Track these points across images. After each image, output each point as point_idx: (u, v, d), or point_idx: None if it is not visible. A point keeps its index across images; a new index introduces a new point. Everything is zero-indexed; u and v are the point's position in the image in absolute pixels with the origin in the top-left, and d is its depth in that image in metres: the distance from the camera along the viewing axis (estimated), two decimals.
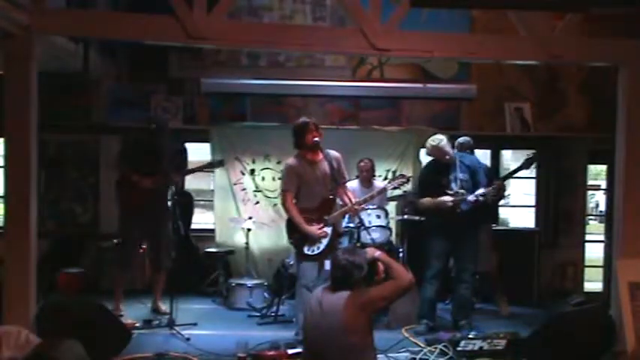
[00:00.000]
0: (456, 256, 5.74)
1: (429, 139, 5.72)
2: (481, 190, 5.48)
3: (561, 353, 4.53)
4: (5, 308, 4.55)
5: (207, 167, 6.66)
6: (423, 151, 7.54)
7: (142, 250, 6.28)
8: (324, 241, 5.16)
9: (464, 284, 5.70)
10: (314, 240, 5.15)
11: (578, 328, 4.65)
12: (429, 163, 5.93)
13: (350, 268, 3.55)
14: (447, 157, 5.64)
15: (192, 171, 6.32)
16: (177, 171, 6.10)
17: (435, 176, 5.70)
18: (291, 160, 5.30)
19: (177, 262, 6.08)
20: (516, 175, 5.81)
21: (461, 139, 6.47)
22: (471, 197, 5.47)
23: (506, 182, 5.90)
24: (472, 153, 6.41)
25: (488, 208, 6.48)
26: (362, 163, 6.69)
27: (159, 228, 6.01)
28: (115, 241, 6.52)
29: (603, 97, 7.13)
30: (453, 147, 5.85)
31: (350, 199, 5.30)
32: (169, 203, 5.98)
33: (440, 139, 5.64)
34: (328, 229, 5.20)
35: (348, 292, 3.50)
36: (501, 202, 6.85)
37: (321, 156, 5.24)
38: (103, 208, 7.45)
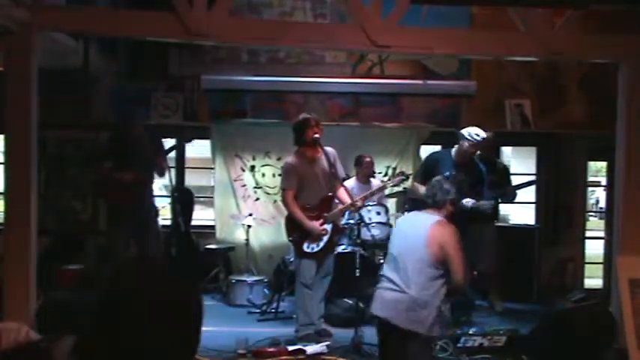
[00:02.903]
0: None
1: (479, 131, 5.57)
2: (479, 202, 5.53)
3: (561, 350, 4.52)
4: (5, 305, 4.54)
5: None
6: (423, 148, 7.58)
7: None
8: (324, 239, 5.17)
9: None
10: (315, 237, 5.15)
11: (579, 325, 4.64)
12: (436, 156, 5.90)
13: (437, 188, 3.91)
14: (473, 155, 5.63)
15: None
16: (157, 161, 6.00)
17: (440, 170, 5.66)
18: (291, 159, 5.30)
19: (177, 258, 6.07)
20: (515, 174, 5.83)
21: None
22: (465, 202, 5.45)
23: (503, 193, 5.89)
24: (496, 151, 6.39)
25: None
26: (367, 159, 6.68)
27: (145, 225, 6.01)
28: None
29: (603, 93, 7.12)
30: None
31: (350, 196, 5.30)
32: (154, 200, 5.93)
33: (484, 135, 5.58)
34: (328, 227, 5.20)
35: (437, 218, 3.80)
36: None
37: (320, 152, 5.24)
38: (102, 205, 7.44)
